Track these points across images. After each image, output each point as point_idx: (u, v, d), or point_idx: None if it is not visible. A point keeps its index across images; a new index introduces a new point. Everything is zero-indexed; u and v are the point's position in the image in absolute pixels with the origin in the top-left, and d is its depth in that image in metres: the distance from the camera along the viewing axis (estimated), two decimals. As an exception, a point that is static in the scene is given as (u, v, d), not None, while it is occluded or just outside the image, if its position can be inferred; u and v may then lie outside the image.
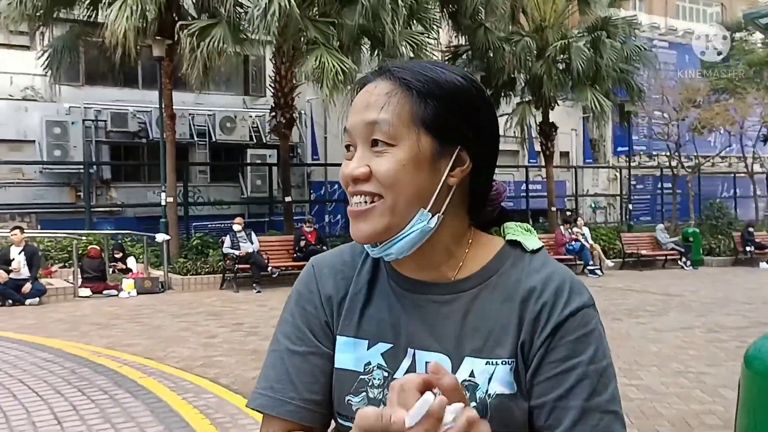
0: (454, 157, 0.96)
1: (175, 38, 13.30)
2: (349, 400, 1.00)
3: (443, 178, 0.95)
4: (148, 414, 4.70)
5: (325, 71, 12.54)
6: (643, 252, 17.31)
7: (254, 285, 12.24)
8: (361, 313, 1.03)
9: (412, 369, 0.98)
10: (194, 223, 17.23)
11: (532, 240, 1.03)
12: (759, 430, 2.21)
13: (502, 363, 0.95)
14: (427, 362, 0.97)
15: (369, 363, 1.00)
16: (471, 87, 0.98)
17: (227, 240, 12.72)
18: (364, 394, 0.99)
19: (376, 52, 14.53)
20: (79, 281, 11.70)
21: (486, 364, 0.95)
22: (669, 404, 5.14)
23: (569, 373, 0.93)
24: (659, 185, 25.16)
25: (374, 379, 0.99)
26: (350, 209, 0.97)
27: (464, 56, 18.09)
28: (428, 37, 15.02)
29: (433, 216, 0.95)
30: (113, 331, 8.25)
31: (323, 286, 1.06)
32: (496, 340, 0.96)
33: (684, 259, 17.31)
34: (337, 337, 1.03)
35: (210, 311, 9.95)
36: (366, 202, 0.95)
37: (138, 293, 11.67)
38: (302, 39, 13.43)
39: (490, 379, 0.94)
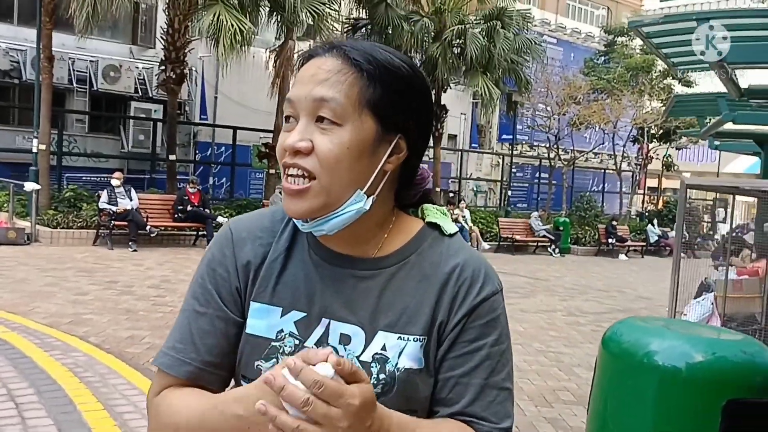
0: (393, 145, 0.98)
1: (60, -26, 12.42)
2: (258, 365, 1.01)
3: (381, 164, 0.98)
4: (11, 369, 4.47)
5: (223, 29, 12.17)
6: (518, 237, 18.15)
7: (130, 243, 11.77)
8: (277, 281, 1.04)
9: (324, 338, 1.00)
10: (67, 174, 16.27)
11: (449, 224, 1.09)
12: (611, 405, 2.45)
13: (413, 339, 1.00)
14: (341, 333, 1.00)
15: (281, 330, 1.01)
16: (416, 75, 1.01)
17: (104, 195, 12.12)
18: (274, 360, 1.00)
19: (275, 16, 14.23)
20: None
21: (398, 339, 1.00)
22: (529, 380, 5.51)
23: (475, 353, 1.01)
24: (537, 175, 26.41)
25: (285, 346, 1.00)
26: (286, 186, 0.97)
27: (363, 30, 18.09)
28: (329, 8, 14.88)
29: (368, 198, 0.98)
30: (-29, 282, 7.73)
31: (240, 252, 1.05)
32: (409, 317, 1.01)
33: (553, 246, 18.33)
34: (251, 303, 1.04)
35: (81, 267, 9.51)
36: (303, 177, 0.95)
37: (0, 244, 10.94)
38: (200, -8, 12.94)
39: (400, 354, 0.99)
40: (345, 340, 1.00)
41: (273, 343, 1.01)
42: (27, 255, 10.28)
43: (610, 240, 19.52)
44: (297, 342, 1.01)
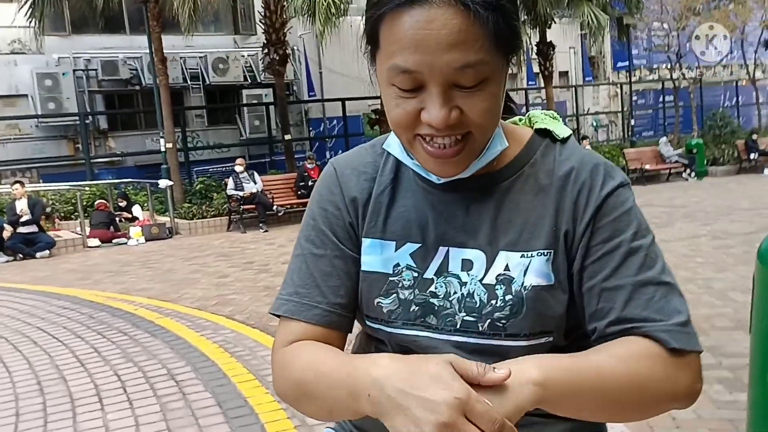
0: (508, 68, 0.91)
1: (159, -22, 12.94)
2: (379, 302, 0.98)
3: (504, 91, 0.91)
4: (168, 351, 4.79)
5: (317, 4, 12.25)
6: (647, 167, 17.27)
7: (261, 225, 12.29)
8: (387, 214, 1.00)
9: (444, 267, 0.95)
10: (195, 168, 17.20)
11: (561, 127, 1.00)
12: (773, 321, 2.23)
13: (537, 254, 0.93)
14: (462, 259, 0.94)
15: (398, 264, 0.97)
16: None
17: (230, 182, 12.70)
18: (394, 295, 0.97)
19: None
20: (87, 231, 11.75)
21: (521, 257, 0.93)
22: (679, 310, 5.20)
23: (614, 252, 0.91)
24: (661, 99, 24.86)
25: (404, 280, 0.97)
26: (433, 151, 0.88)
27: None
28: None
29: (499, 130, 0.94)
30: (126, 278, 8.34)
31: (346, 188, 1.02)
32: (530, 232, 0.94)
33: (688, 170, 17.28)
34: (363, 239, 1.00)
35: (219, 252, 10.03)
36: (455, 140, 0.87)
37: (146, 240, 11.74)
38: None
39: (525, 272, 0.92)
40: (467, 265, 0.95)
41: (391, 278, 0.97)
42: (170, 247, 10.98)
43: (751, 156, 18.08)
44: (415, 274, 0.96)
